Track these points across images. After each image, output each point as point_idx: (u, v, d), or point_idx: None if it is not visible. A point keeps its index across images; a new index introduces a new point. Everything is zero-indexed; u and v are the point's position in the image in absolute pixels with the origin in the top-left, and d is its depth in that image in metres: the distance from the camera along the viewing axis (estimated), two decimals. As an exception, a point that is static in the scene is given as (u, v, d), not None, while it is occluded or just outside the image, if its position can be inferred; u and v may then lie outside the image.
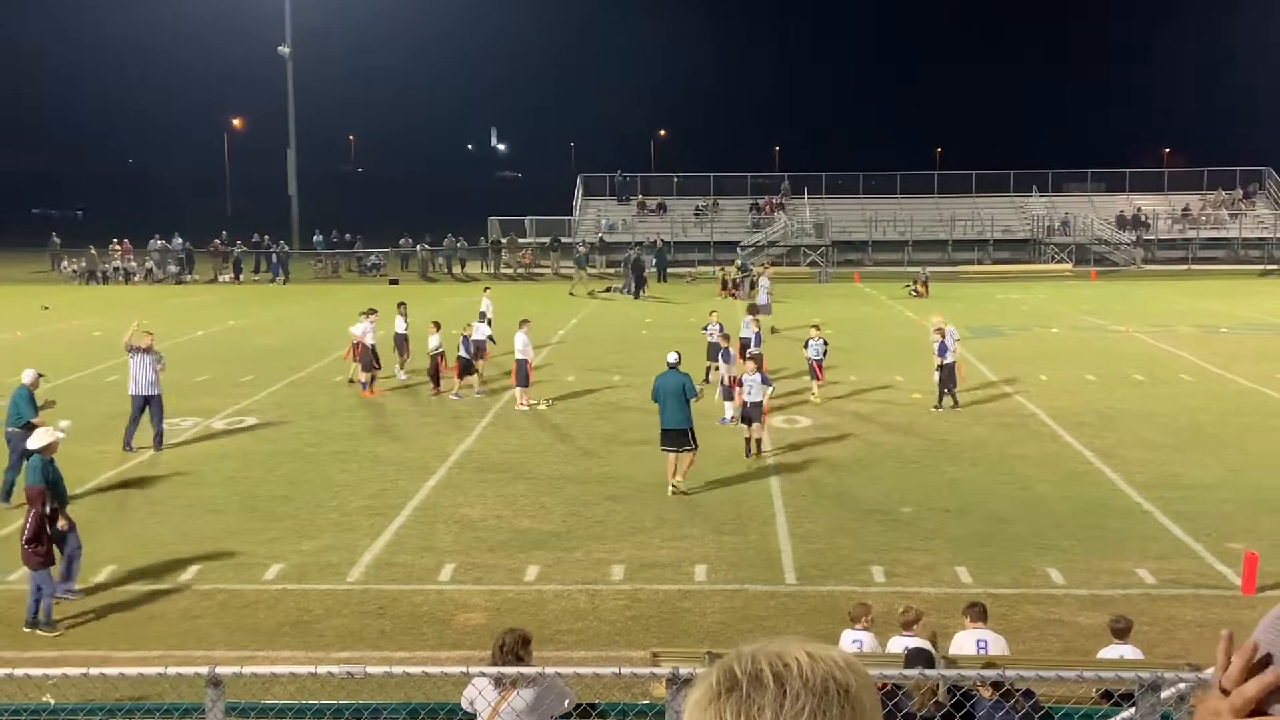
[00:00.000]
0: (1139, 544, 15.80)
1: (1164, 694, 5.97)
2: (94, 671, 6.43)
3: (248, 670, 6.40)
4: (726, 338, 26.22)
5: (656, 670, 6.79)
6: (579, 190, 70.45)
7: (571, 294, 50.14)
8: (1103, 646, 11.07)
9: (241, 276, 60.19)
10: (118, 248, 61.80)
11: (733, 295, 48.05)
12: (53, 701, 9.52)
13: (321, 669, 6.92)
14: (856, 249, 65.17)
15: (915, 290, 48.37)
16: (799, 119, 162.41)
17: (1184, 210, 67.26)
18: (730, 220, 68.37)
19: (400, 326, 28.46)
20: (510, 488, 18.73)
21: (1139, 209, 67.28)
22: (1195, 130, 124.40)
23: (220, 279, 60.13)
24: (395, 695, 8.56)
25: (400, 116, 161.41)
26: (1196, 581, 14.31)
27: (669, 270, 58.21)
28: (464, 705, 7.77)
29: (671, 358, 19.20)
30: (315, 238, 66.69)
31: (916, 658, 9.53)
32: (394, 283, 57.35)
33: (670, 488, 18.18)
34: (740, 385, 20.67)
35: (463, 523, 16.91)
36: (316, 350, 32.20)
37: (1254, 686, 1.49)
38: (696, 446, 18.41)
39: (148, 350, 21.49)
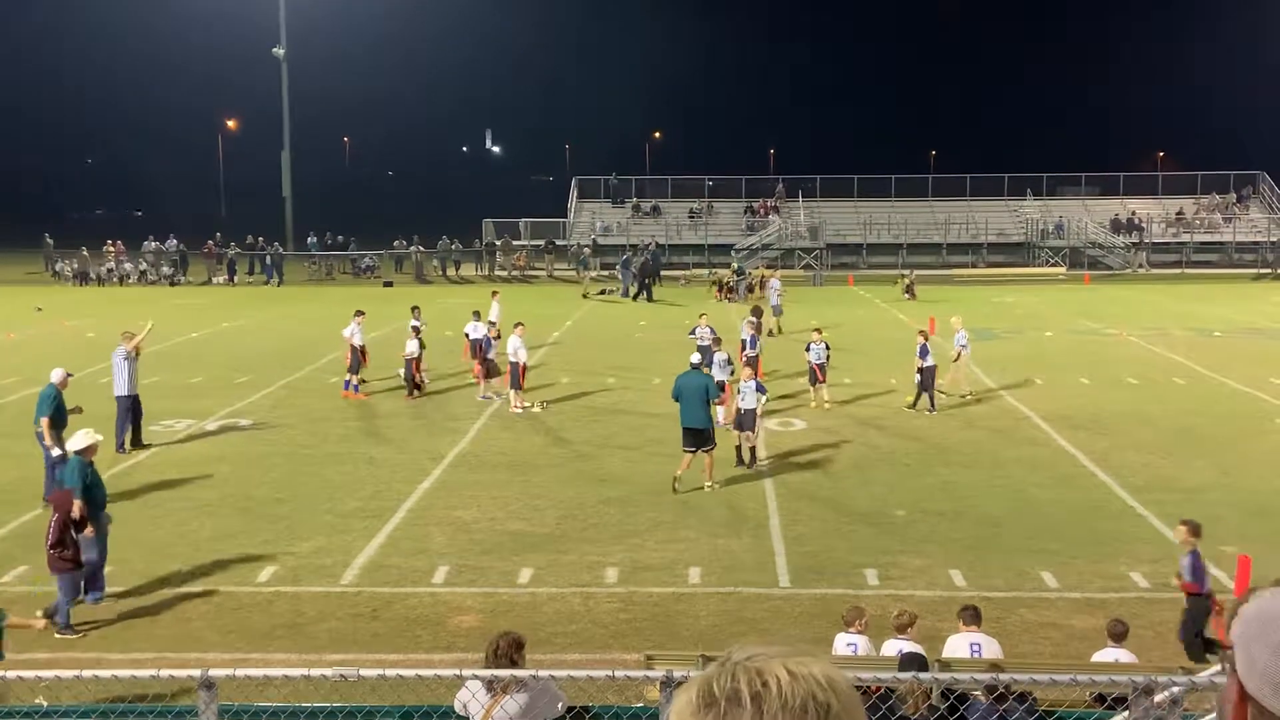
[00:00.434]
0: (1132, 547, 15.83)
1: (1157, 697, 5.98)
2: (87, 673, 6.42)
3: (241, 673, 6.39)
4: (718, 341, 26.21)
5: (650, 673, 6.78)
6: (573, 193, 70.45)
7: (585, 296, 50.46)
8: (1096, 650, 11.10)
9: (236, 278, 60.08)
10: (111, 249, 61.72)
11: (728, 299, 48.05)
12: (45, 703, 9.49)
13: (315, 671, 6.91)
14: (851, 252, 65.22)
15: (909, 293, 48.45)
16: (794, 122, 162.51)
17: (1178, 214, 67.37)
18: (725, 223, 68.38)
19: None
20: (504, 490, 18.72)
21: (1133, 213, 67.38)
22: (1189, 134, 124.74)
23: (214, 281, 60.04)
24: (388, 698, 8.54)
25: (395, 119, 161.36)
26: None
27: (662, 273, 58.18)
28: (457, 708, 7.76)
29: (694, 358, 19.95)
30: (309, 240, 66.62)
31: (910, 663, 9.53)
32: (388, 285, 57.31)
33: (677, 479, 18.46)
34: (738, 391, 20.51)
35: (456, 525, 16.91)
36: (311, 352, 32.16)
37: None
38: (715, 444, 18.79)
39: (136, 351, 21.73)
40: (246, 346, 34.69)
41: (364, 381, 26.99)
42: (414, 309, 29.09)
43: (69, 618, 13.14)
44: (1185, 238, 65.88)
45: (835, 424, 23.51)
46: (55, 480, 17.10)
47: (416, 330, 26.70)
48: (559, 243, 64.94)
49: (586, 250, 58.20)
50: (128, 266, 60.74)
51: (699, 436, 18.52)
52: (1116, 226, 66.17)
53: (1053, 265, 62.51)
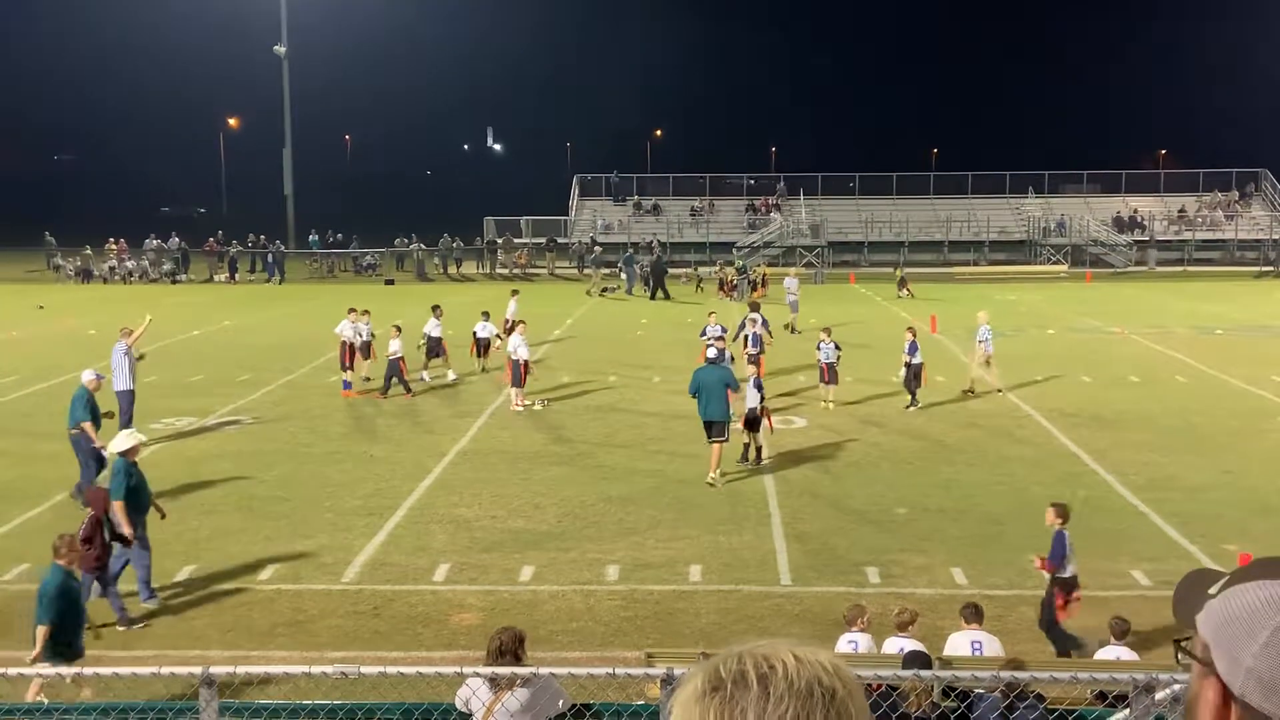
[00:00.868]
0: (1134, 545, 15.82)
1: (1158, 695, 5.98)
2: (88, 671, 6.42)
3: (242, 670, 6.39)
4: (722, 337, 26.23)
5: (651, 671, 6.78)
6: (574, 191, 70.46)
7: (603, 293, 50.49)
8: (1098, 649, 11.10)
9: (237, 276, 60.13)
10: (113, 247, 61.75)
11: (730, 297, 48.06)
12: (46, 701, 9.50)
13: (316, 669, 6.92)
14: (852, 250, 65.23)
15: (905, 292, 48.63)
16: (795, 120, 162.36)
17: (1180, 212, 67.35)
18: (726, 221, 68.38)
19: (434, 329, 28.10)
20: (505, 488, 18.72)
21: (1135, 210, 67.36)
22: (1191, 132, 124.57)
23: (216, 279, 60.08)
24: (390, 695, 8.54)
25: (396, 116, 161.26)
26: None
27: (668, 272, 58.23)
28: (458, 705, 7.76)
29: (711, 353, 20.17)
30: (311, 237, 66.65)
31: (913, 660, 9.53)
32: (390, 283, 57.32)
33: (711, 477, 18.81)
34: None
35: (458, 523, 16.91)
36: (312, 350, 32.14)
37: None
38: (728, 439, 19.08)
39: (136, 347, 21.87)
40: (248, 344, 34.69)
41: (369, 379, 26.97)
42: (434, 308, 28.81)
43: (124, 610, 13.18)
44: (1187, 235, 65.86)
45: (837, 422, 23.50)
46: (89, 479, 17.09)
47: (399, 329, 26.51)
48: (560, 241, 64.98)
49: (599, 249, 58.26)
50: (129, 264, 60.78)
51: (719, 428, 18.94)
52: (1120, 224, 66.14)
53: (1054, 263, 62.47)
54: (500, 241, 64.51)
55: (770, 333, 29.78)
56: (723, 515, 17.25)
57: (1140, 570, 14.80)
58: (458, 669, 7.17)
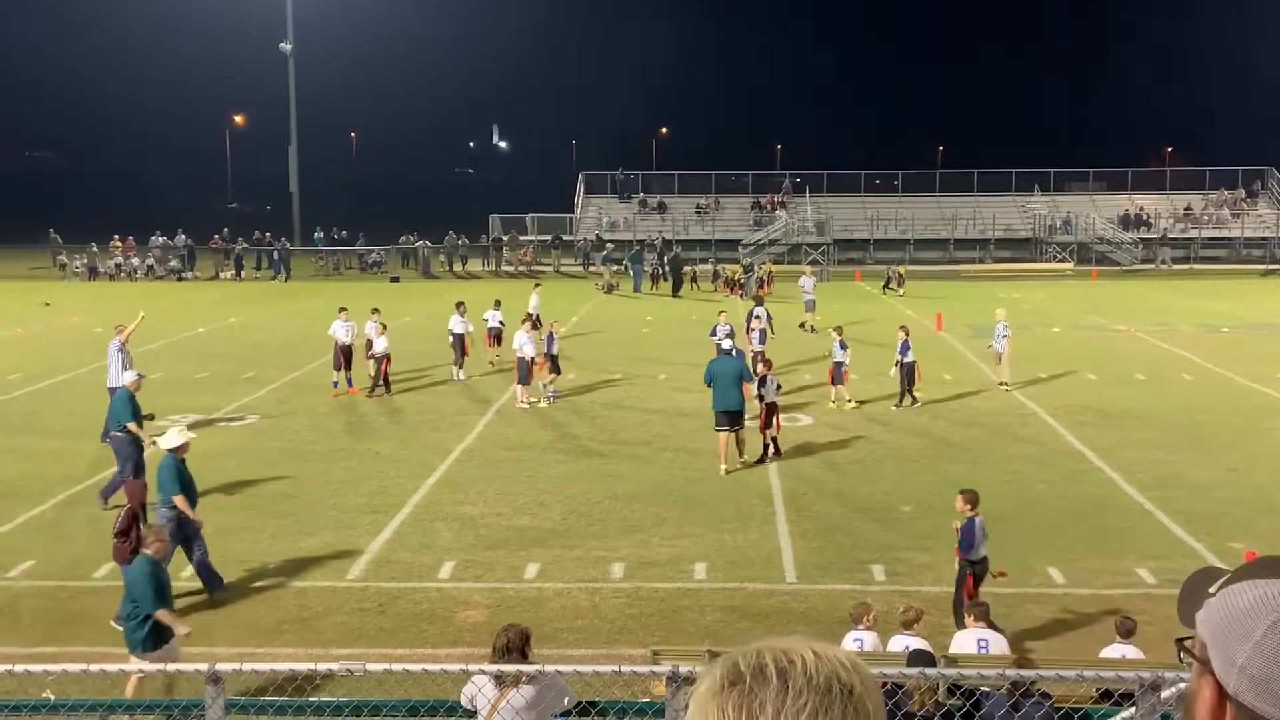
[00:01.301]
0: (1139, 543, 15.81)
1: (1164, 694, 5.97)
2: (94, 668, 6.43)
3: (248, 667, 6.40)
4: (730, 335, 26.23)
5: (656, 668, 6.79)
6: (580, 188, 70.45)
7: (608, 291, 50.53)
8: (1104, 646, 11.09)
9: (243, 273, 60.21)
10: (119, 244, 61.82)
11: (737, 295, 48.06)
12: (53, 697, 9.51)
13: (321, 666, 6.92)
14: (858, 248, 65.17)
15: (890, 289, 48.78)
16: (800, 117, 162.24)
17: (1186, 210, 67.23)
18: (732, 219, 68.35)
19: (458, 326, 27.87)
20: (510, 485, 18.73)
21: (1140, 208, 67.26)
22: (1197, 129, 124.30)
23: (221, 276, 60.15)
24: (395, 692, 8.55)
25: (402, 114, 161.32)
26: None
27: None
28: (464, 702, 7.76)
29: (725, 344, 21.13)
30: (316, 235, 66.69)
31: (917, 659, 9.53)
32: (395, 280, 57.33)
33: (724, 468, 19.30)
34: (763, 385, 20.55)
35: (463, 520, 16.92)
36: (317, 348, 32.13)
37: None
38: (743, 427, 19.66)
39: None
40: (253, 342, 34.73)
41: (375, 380, 26.94)
42: (459, 305, 28.39)
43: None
44: (1194, 233, 65.75)
45: (842, 419, 23.50)
46: (122, 479, 17.04)
47: (384, 326, 26.42)
48: (565, 238, 64.99)
49: (610, 246, 58.32)
50: (135, 261, 60.85)
51: (737, 418, 19.43)
52: (1127, 222, 66.03)
53: (1060, 261, 62.39)
54: (506, 239, 64.53)
55: (773, 328, 30.15)
56: (728, 513, 17.25)
57: (1146, 568, 14.79)
58: (463, 666, 7.17)
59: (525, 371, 24.78)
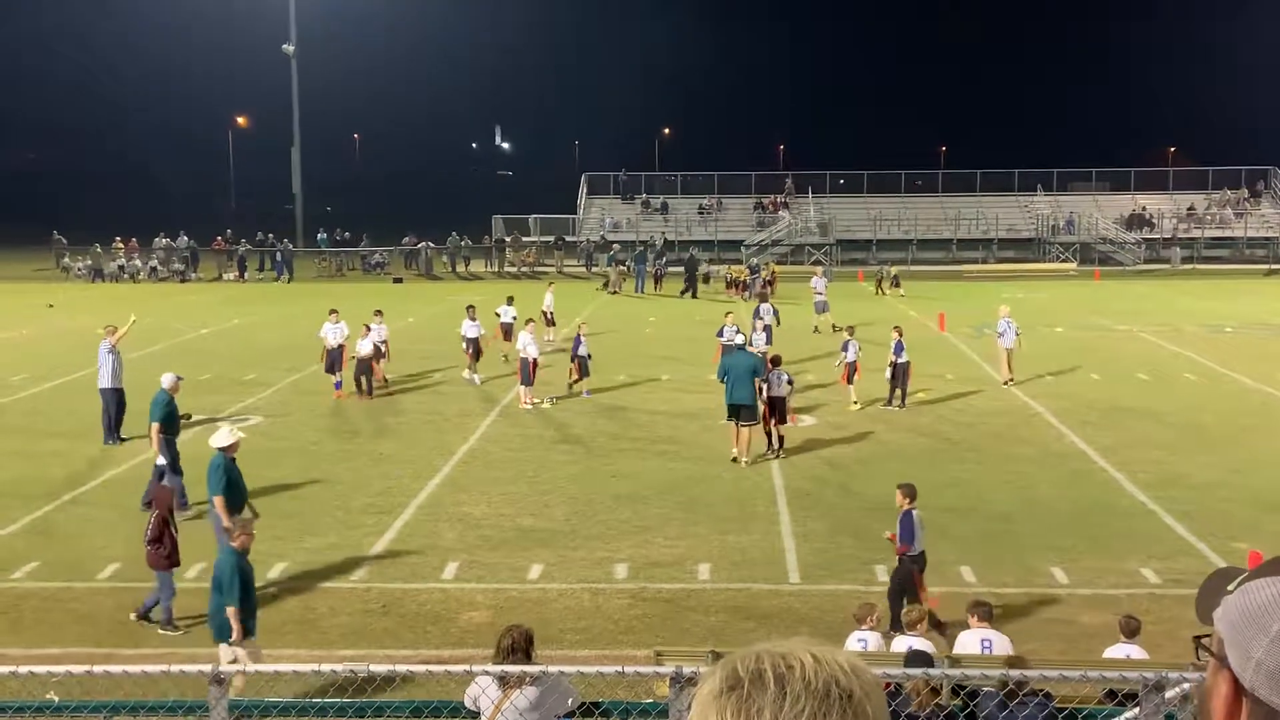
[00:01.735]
0: (1143, 543, 15.79)
1: (1168, 694, 5.96)
2: (98, 669, 6.44)
3: (251, 668, 6.40)
4: (742, 334, 26.31)
5: (660, 669, 6.78)
6: (583, 189, 70.45)
7: (612, 293, 50.59)
8: (1107, 646, 11.08)
9: (246, 275, 60.24)
10: (122, 246, 61.87)
11: (741, 296, 48.06)
12: (56, 699, 9.52)
13: (325, 667, 6.93)
14: (861, 248, 65.11)
15: (880, 290, 48.84)
16: (803, 118, 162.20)
17: (1189, 209, 67.18)
18: (734, 219, 68.33)
19: (470, 330, 27.71)
20: (514, 486, 18.73)
21: (1144, 208, 67.20)
22: (1200, 129, 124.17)
23: (224, 277, 60.21)
24: (398, 693, 8.56)
25: (404, 115, 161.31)
26: (1201, 580, 14.26)
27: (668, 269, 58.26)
28: (467, 703, 7.76)
29: (738, 339, 22.01)
30: (319, 236, 66.73)
31: (915, 659, 9.52)
32: (398, 281, 57.36)
33: (735, 457, 19.94)
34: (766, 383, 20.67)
35: (466, 521, 16.92)
36: (320, 349, 32.14)
37: None
38: (757, 421, 20.15)
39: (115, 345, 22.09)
40: (256, 343, 34.75)
41: (384, 382, 26.85)
42: (469, 308, 28.28)
43: (171, 614, 13.19)
44: (1196, 233, 65.69)
45: (845, 420, 23.49)
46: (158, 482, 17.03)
47: (368, 328, 26.30)
48: (568, 239, 64.99)
49: (616, 247, 58.34)
50: (138, 263, 60.91)
51: (750, 412, 19.91)
52: (1132, 222, 65.98)
53: (1063, 261, 62.36)
54: (509, 240, 64.55)
55: (779, 320, 31.13)
56: (731, 513, 17.25)
57: (1150, 569, 14.77)
58: (466, 667, 7.17)
59: (528, 372, 24.79)
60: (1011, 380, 26.72)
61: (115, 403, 21.67)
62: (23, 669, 6.34)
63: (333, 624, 13.30)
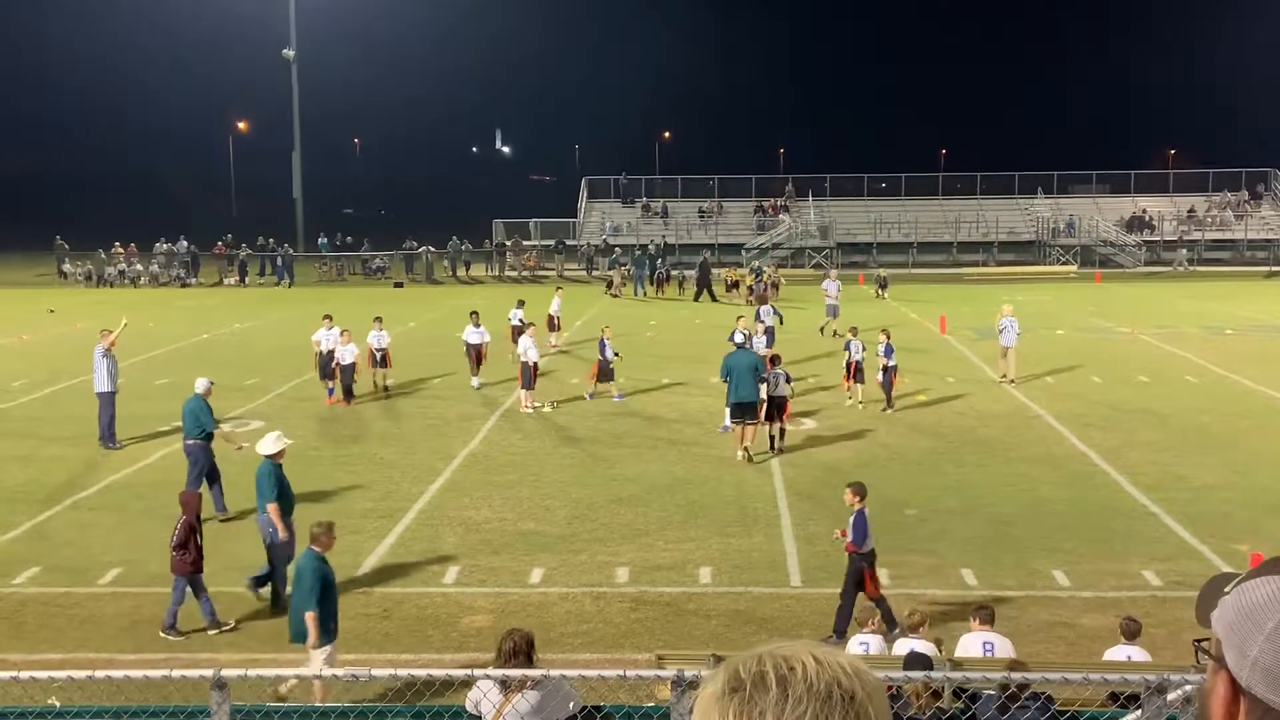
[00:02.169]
0: (1144, 546, 15.78)
1: (1170, 696, 5.96)
2: (99, 674, 6.43)
3: (253, 673, 6.40)
4: (748, 337, 26.31)
5: (661, 673, 6.77)
6: (583, 193, 70.49)
7: (614, 295, 50.47)
8: (1108, 648, 11.07)
9: (246, 279, 60.22)
10: (122, 250, 61.88)
11: (747, 300, 48.07)
12: (58, 704, 9.51)
13: (326, 671, 6.92)
14: (861, 251, 65.14)
15: (878, 292, 48.86)
16: (803, 121, 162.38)
17: (1189, 212, 67.18)
18: (734, 222, 68.37)
19: (473, 336, 27.59)
20: (515, 490, 18.73)
21: (1144, 210, 67.20)
22: (1201, 132, 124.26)
23: (225, 282, 60.17)
24: (400, 698, 8.55)
25: (404, 119, 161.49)
26: (1202, 583, 14.25)
27: (673, 273, 58.24)
28: (469, 708, 7.76)
29: (738, 338, 22.38)
30: (320, 240, 66.74)
31: (914, 662, 9.52)
32: (399, 285, 57.34)
33: (741, 454, 20.26)
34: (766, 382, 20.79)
35: (467, 525, 16.92)
36: (313, 354, 32.14)
37: None
38: (760, 419, 20.51)
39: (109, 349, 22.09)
40: (257, 348, 34.75)
41: (384, 390, 26.78)
42: (473, 314, 28.24)
43: (175, 619, 13.18)
44: (1197, 235, 65.69)
45: (846, 422, 23.48)
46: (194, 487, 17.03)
47: (348, 334, 26.27)
48: (569, 243, 65.00)
49: (618, 250, 58.37)
50: (139, 268, 60.91)
51: (753, 409, 20.20)
52: (1133, 225, 65.97)
53: (1064, 264, 62.36)
54: (509, 244, 64.55)
55: (782, 320, 31.50)
56: (732, 517, 17.24)
57: (1151, 570, 14.76)
58: (468, 671, 7.17)
59: (529, 376, 24.78)
60: (1013, 380, 26.75)
61: (111, 406, 21.68)
62: (24, 674, 6.33)
63: (334, 628, 13.28)
